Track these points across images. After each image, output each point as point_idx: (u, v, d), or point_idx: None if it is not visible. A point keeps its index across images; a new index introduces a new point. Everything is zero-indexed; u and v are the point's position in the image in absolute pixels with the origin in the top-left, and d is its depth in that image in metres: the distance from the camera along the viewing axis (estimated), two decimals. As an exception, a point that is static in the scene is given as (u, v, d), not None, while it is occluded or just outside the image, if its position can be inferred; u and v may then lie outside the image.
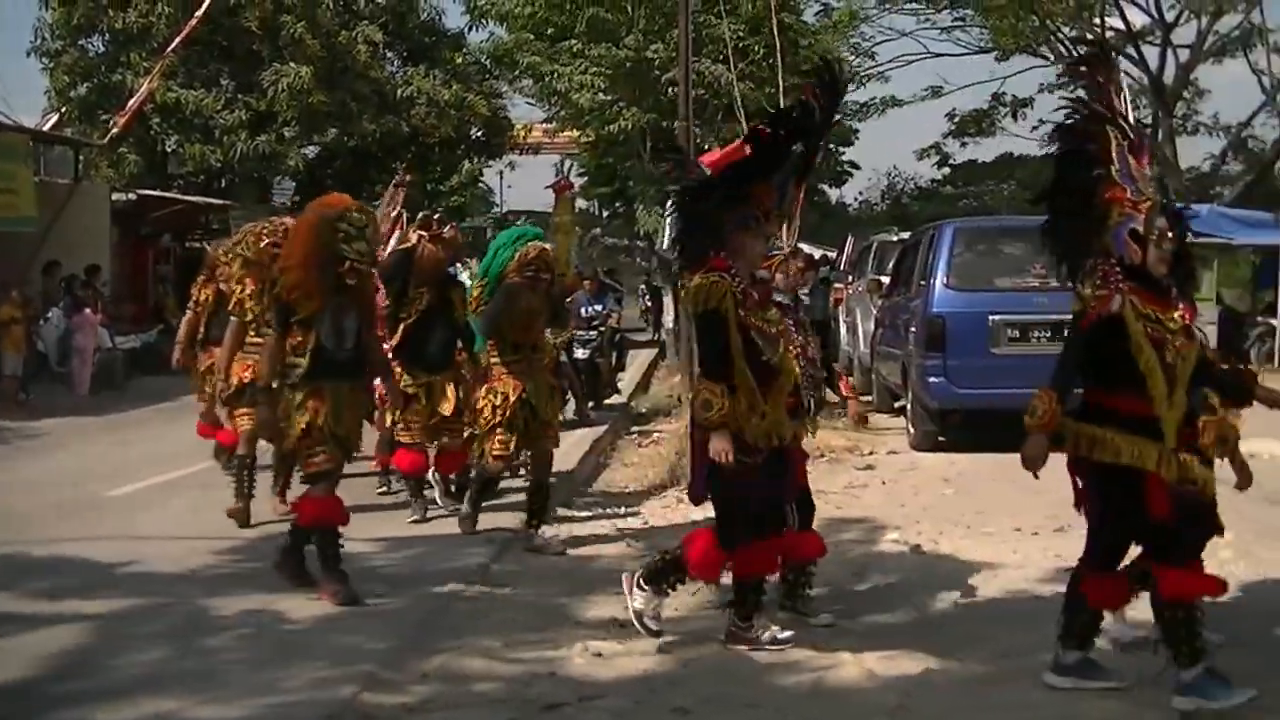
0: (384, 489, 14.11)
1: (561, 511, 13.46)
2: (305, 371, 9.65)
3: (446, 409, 12.70)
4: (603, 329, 21.56)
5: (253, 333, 12.27)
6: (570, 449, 16.32)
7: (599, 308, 22.27)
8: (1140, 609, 8.12)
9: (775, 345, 8.58)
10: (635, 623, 8.77)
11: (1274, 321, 28.77)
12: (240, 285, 12.25)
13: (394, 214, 17.32)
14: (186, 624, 9.21)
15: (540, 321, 12.23)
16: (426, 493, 13.22)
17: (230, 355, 12.51)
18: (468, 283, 14.36)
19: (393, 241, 17.10)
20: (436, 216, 13.10)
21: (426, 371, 12.64)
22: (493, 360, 11.95)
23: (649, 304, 40.05)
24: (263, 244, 11.81)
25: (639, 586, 8.80)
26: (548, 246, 12.48)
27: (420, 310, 12.58)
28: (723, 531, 8.51)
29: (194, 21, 28.05)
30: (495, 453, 11.81)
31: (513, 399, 11.67)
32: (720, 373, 8.31)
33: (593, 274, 20.36)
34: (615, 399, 21.37)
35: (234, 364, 12.60)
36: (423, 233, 12.72)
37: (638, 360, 30.25)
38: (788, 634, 8.76)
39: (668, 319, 29.54)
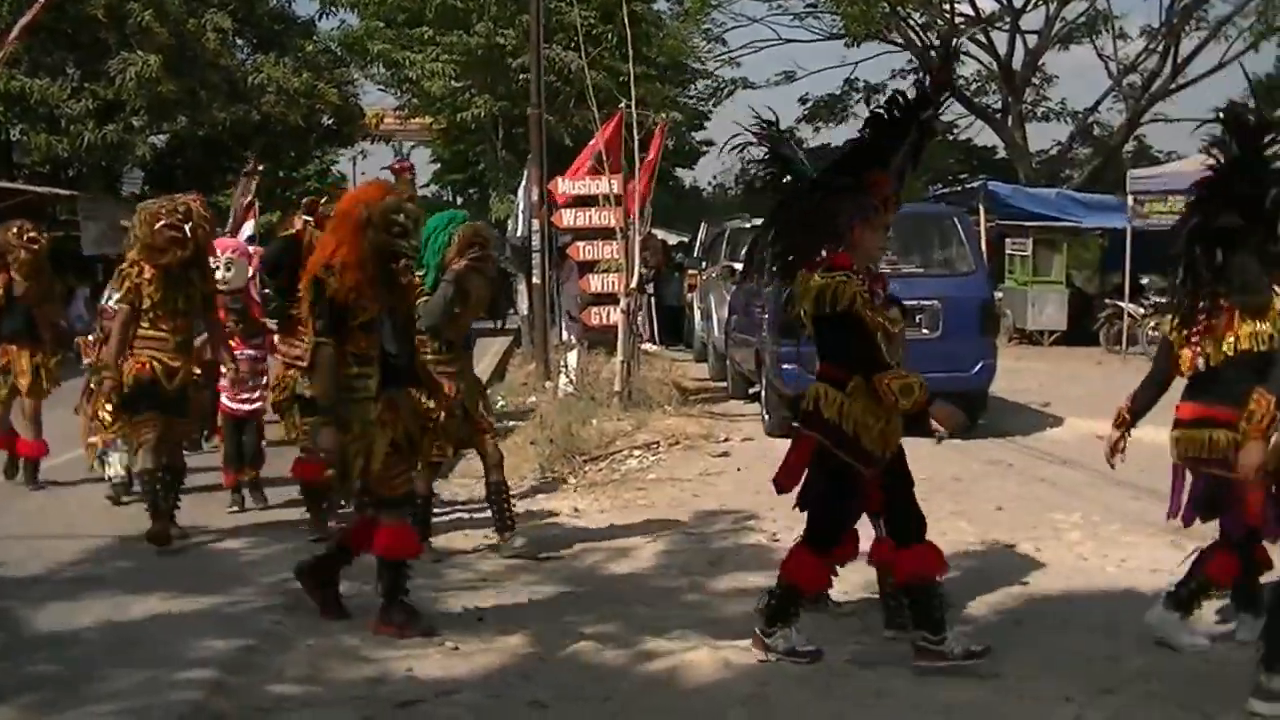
0: (234, 508, 13.03)
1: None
2: (377, 382, 8.88)
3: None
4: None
5: (146, 325, 11.53)
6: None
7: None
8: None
9: (898, 347, 8.21)
10: (793, 661, 8.20)
11: (1122, 304, 29.17)
12: (135, 269, 11.52)
13: (246, 202, 17.08)
14: (26, 631, 9.07)
15: (478, 311, 11.60)
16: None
17: (119, 350, 11.48)
18: None
19: (246, 229, 16.90)
20: (324, 200, 12.24)
21: None
22: (426, 357, 10.68)
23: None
24: (158, 225, 11.43)
25: (766, 634, 8.29)
26: (480, 224, 11.72)
27: None
28: (817, 539, 8.23)
29: (38, 8, 27.60)
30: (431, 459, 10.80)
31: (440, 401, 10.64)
32: (868, 368, 7.90)
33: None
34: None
35: (126, 361, 11.52)
36: (308, 217, 12.08)
37: (491, 349, 30.18)
38: (811, 647, 8.31)
39: (522, 306, 29.50)
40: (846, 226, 8.00)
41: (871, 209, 8.04)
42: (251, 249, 16.06)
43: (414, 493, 9.52)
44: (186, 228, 11.57)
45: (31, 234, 14.71)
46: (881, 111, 8.32)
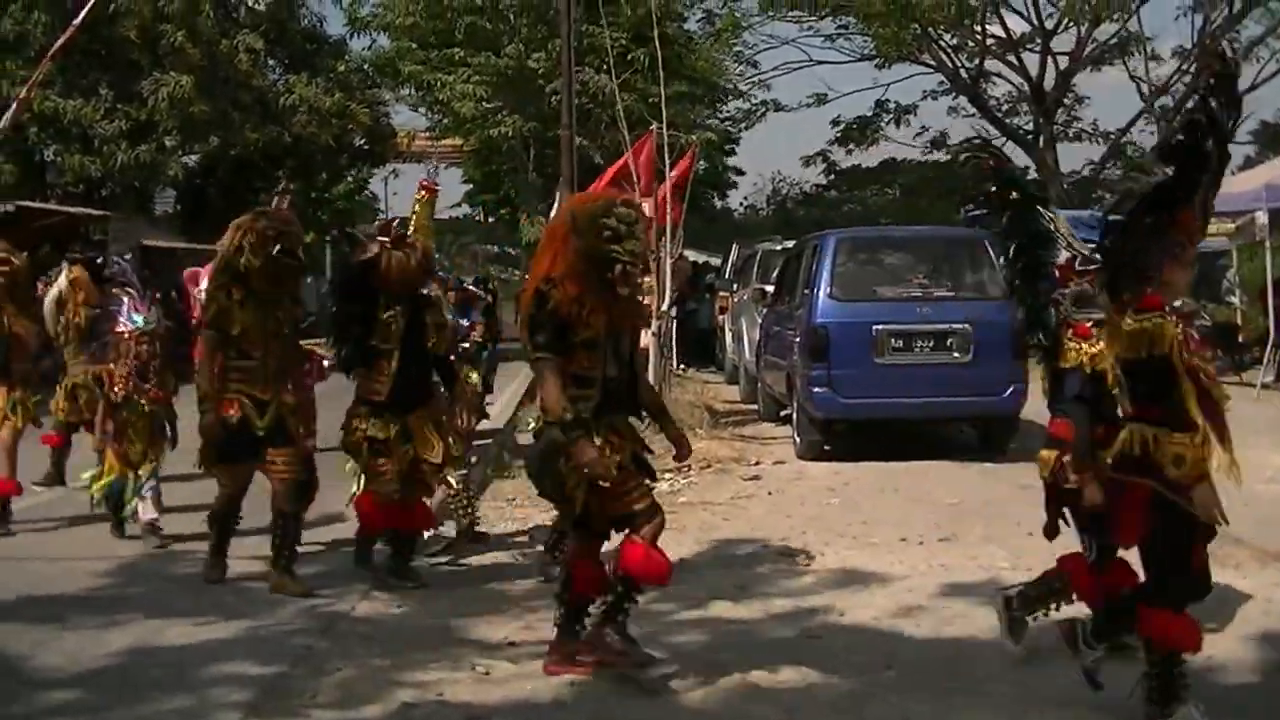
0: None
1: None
2: (596, 405, 8.20)
3: (432, 454, 11.04)
4: (466, 345, 19.43)
5: (233, 354, 10.63)
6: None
7: (464, 321, 19.94)
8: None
9: (1220, 389, 7.57)
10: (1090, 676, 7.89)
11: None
12: (224, 291, 10.58)
13: None
14: (59, 655, 9.06)
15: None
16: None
17: (213, 381, 10.59)
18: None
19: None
20: (395, 221, 11.49)
21: (402, 410, 10.88)
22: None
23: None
24: (266, 243, 10.48)
25: (1089, 646, 7.87)
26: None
27: (399, 337, 10.84)
28: (1172, 594, 7.41)
29: (72, 30, 27.67)
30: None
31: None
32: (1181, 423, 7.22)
33: (458, 283, 19.51)
34: (484, 424, 18.82)
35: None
36: (384, 239, 11.01)
37: (523, 371, 30.10)
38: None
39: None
40: (1157, 267, 7.39)
41: (1178, 247, 7.48)
42: None
43: (655, 506, 8.52)
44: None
45: (2, 255, 13.63)
46: (1185, 142, 7.50)
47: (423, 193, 11.56)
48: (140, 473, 12.60)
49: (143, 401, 12.60)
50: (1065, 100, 49.49)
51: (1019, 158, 51.00)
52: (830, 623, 9.86)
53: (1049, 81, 47.08)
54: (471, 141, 39.08)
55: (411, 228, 11.66)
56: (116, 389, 12.61)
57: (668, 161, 20.33)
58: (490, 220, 57.78)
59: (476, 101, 36.03)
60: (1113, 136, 50.56)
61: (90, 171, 35.92)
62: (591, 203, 8.45)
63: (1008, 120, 50.19)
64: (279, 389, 10.90)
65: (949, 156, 54.09)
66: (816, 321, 17.39)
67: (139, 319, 12.63)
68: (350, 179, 49.33)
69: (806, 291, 18.31)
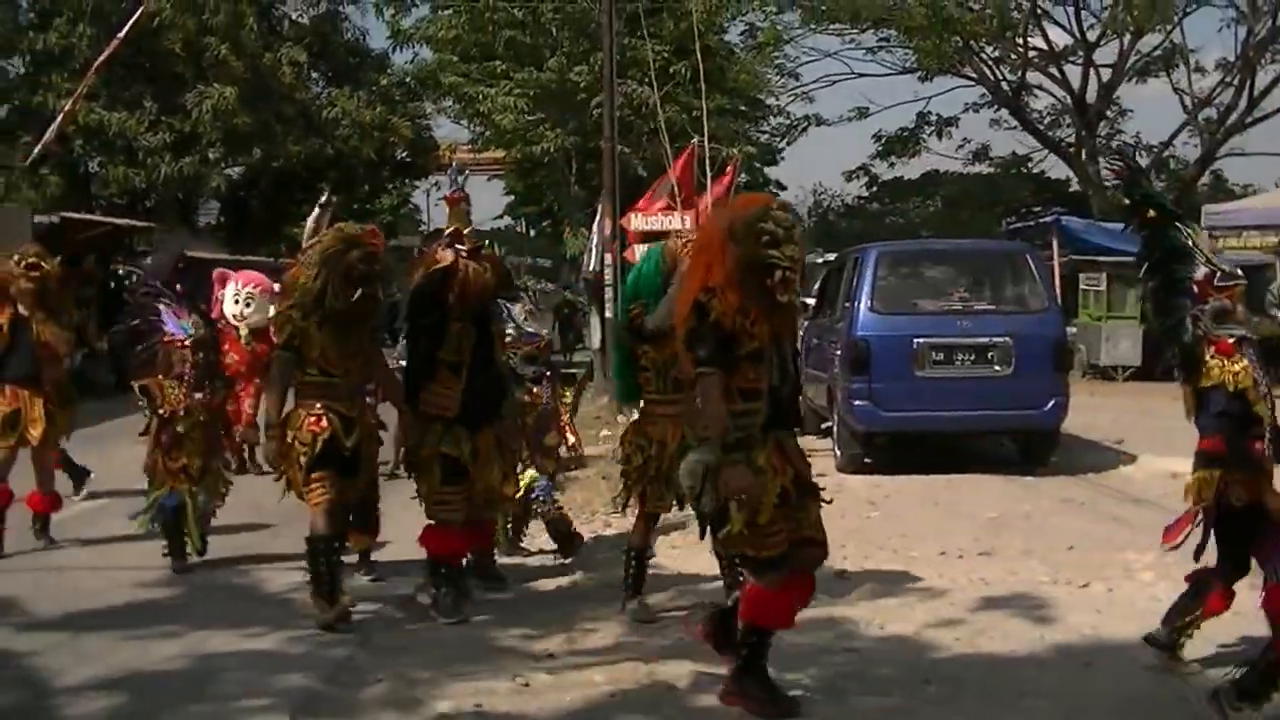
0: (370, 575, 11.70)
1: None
2: (764, 422, 7.80)
3: (496, 477, 10.71)
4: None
5: (314, 371, 10.15)
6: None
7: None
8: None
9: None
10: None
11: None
12: (298, 311, 10.10)
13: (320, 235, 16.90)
14: (104, 663, 9.14)
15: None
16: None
17: (281, 403, 10.31)
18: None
19: None
20: (467, 230, 10.82)
21: (472, 426, 10.43)
22: (650, 396, 10.10)
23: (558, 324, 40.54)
24: (353, 255, 10.00)
25: (1235, 708, 7.85)
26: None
27: (470, 349, 10.42)
28: None
29: (116, 43, 27.82)
30: (655, 509, 10.16)
31: (670, 448, 9.72)
32: None
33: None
34: None
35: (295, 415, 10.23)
36: (459, 246, 10.46)
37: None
38: None
39: (594, 339, 29.54)
40: None
41: None
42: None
43: (788, 555, 7.92)
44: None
45: (32, 260, 13.13)
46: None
47: (451, 205, 11.39)
48: (197, 490, 12.04)
49: (198, 412, 12.06)
50: (1108, 113, 49.35)
51: (1061, 170, 50.99)
52: (869, 635, 9.85)
53: (1091, 94, 46.98)
54: (513, 154, 39.09)
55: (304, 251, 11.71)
56: (171, 402, 11.99)
57: (709, 174, 20.34)
58: (532, 233, 57.84)
59: (518, 114, 36.04)
60: (1155, 149, 50.40)
61: (134, 183, 36.12)
62: (747, 208, 7.94)
63: (1049, 133, 50.11)
64: (362, 408, 10.64)
65: (991, 169, 54.15)
66: (857, 334, 17.38)
67: (187, 326, 12.15)
68: (393, 191, 49.45)
69: (847, 304, 18.30)
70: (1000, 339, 17.25)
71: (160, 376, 12.15)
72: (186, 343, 12.13)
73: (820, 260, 28.38)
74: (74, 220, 32.42)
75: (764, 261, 7.56)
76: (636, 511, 10.34)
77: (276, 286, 15.90)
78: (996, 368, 17.21)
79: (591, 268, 25.55)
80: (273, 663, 9.04)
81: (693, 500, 8.00)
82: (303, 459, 10.03)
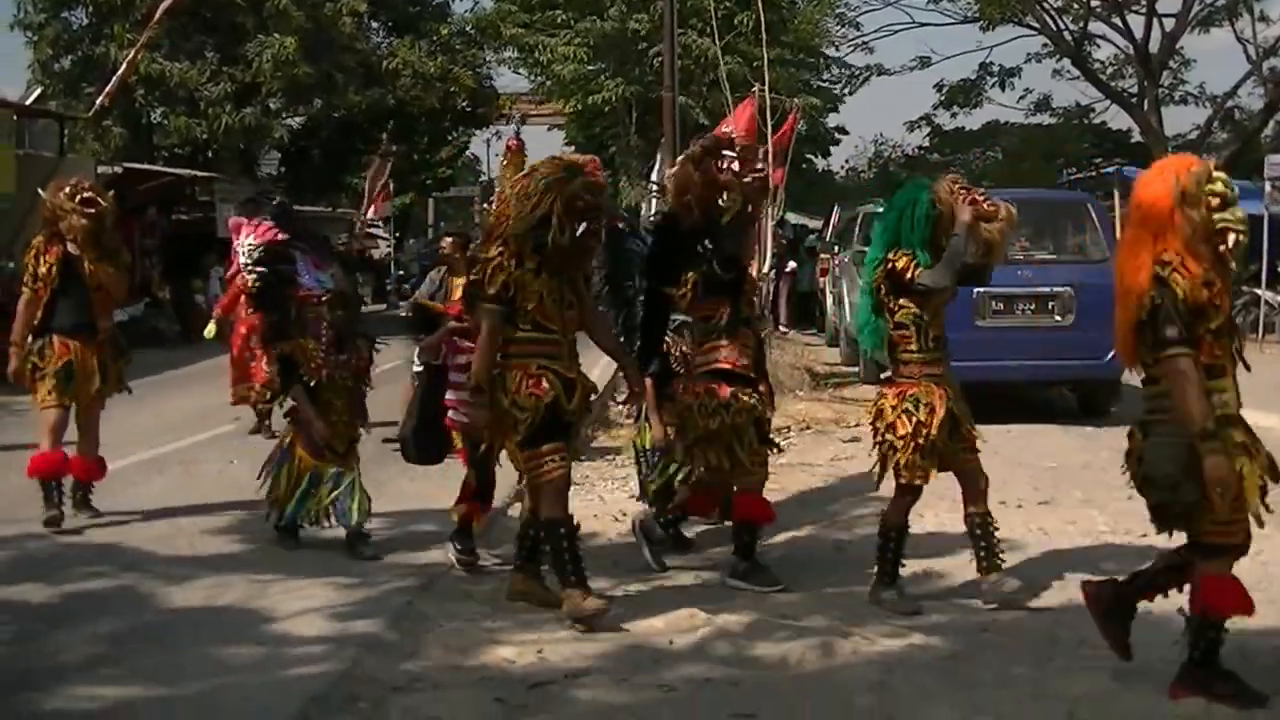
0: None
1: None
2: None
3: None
4: None
5: (528, 327, 8.92)
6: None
7: None
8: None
9: None
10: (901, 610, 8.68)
11: (1259, 291, 28.71)
12: (508, 255, 8.90)
13: (381, 184, 16.90)
14: (167, 607, 9.29)
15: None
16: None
17: (490, 365, 8.94)
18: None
19: (381, 209, 16.45)
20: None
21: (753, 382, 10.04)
22: (909, 355, 9.26)
23: None
24: (574, 188, 8.76)
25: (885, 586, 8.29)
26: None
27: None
28: None
29: (179, -7, 28.01)
30: (915, 481, 9.18)
31: (940, 413, 9.11)
32: None
33: None
34: None
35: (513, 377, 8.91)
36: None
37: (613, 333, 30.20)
38: None
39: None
40: None
41: None
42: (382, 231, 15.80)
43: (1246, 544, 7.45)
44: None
45: (88, 194, 11.89)
46: None
47: (509, 153, 11.33)
48: (343, 468, 10.85)
49: (344, 376, 10.81)
50: (1170, 63, 48.86)
51: (1122, 121, 50.61)
52: (928, 585, 9.87)
53: (1154, 44, 46.50)
54: (573, 104, 39.10)
55: (499, 189, 11.40)
56: (314, 367, 10.66)
57: (769, 124, 20.30)
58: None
59: (578, 64, 36.03)
60: (1219, 99, 49.94)
61: (196, 134, 36.31)
62: (1189, 169, 7.19)
63: (1112, 83, 49.67)
64: (580, 371, 9.27)
65: (1053, 120, 53.76)
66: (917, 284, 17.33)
67: (324, 278, 10.79)
68: (452, 141, 49.50)
69: (907, 255, 18.27)
70: (1061, 289, 17.21)
71: (302, 341, 10.74)
72: (323, 297, 10.75)
73: (880, 210, 28.24)
74: (136, 171, 32.63)
75: (1218, 226, 7.09)
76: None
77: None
78: (1057, 318, 17.19)
79: (653, 216, 25.50)
80: (335, 608, 9.12)
81: (1165, 491, 7.22)
82: (523, 428, 8.83)
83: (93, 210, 11.79)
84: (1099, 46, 49.61)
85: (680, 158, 10.23)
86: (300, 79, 36.23)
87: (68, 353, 11.72)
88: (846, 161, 67.12)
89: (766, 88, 20.48)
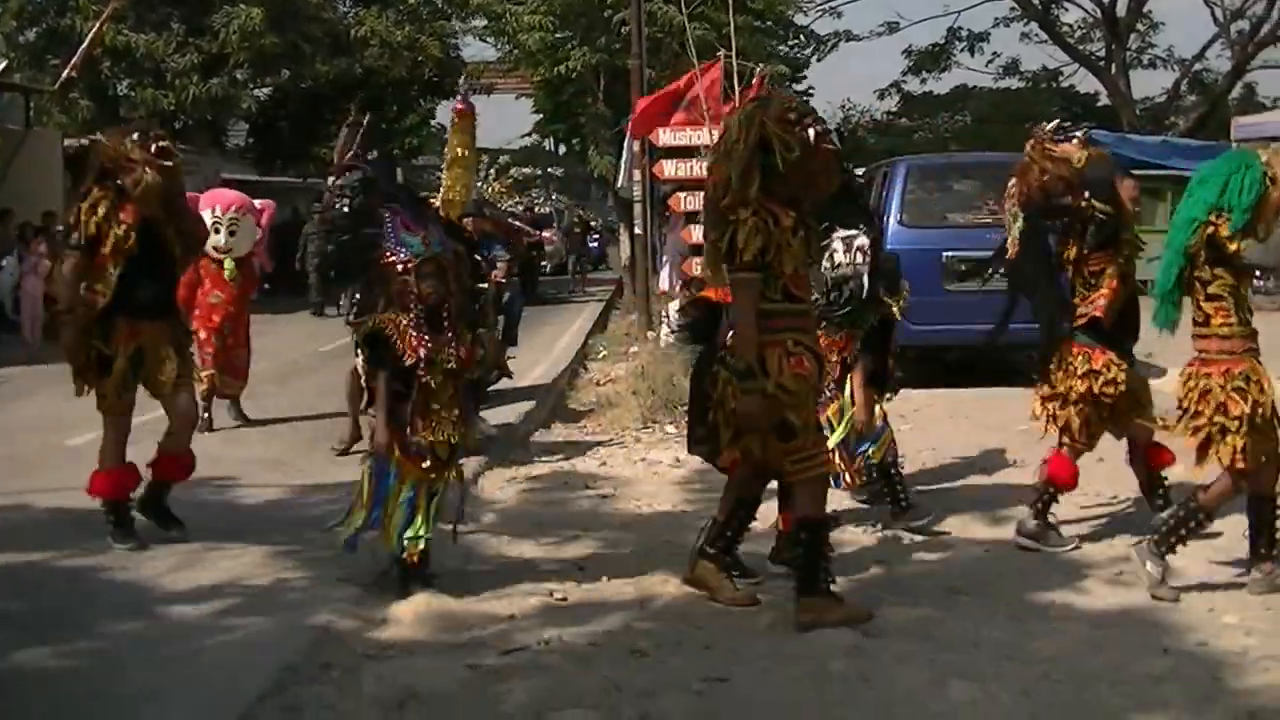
0: None
1: (519, 454, 13.53)
2: None
3: None
4: (485, 287, 14.96)
5: (777, 296, 7.86)
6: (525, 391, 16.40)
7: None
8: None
9: None
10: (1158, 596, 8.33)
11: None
12: (766, 213, 7.79)
13: (350, 153, 16.52)
14: (140, 574, 9.26)
15: None
16: None
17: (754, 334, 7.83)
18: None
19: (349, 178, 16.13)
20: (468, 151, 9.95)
21: None
22: (1229, 329, 8.58)
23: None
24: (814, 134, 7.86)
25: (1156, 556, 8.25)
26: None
27: None
28: None
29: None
30: (1238, 466, 8.34)
31: (1271, 391, 8.45)
32: None
33: (475, 211, 14.81)
34: (504, 383, 15.26)
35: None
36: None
37: (595, 298, 30.30)
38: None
39: (624, 255, 29.61)
40: None
41: None
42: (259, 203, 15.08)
43: None
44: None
45: (164, 145, 9.78)
46: None
47: (456, 116, 11.14)
48: (450, 477, 8.90)
49: (446, 360, 8.65)
50: (1138, 26, 49.03)
51: (1091, 84, 50.74)
52: (901, 548, 9.91)
53: (1121, 7, 46.66)
54: (540, 73, 39.03)
55: (447, 155, 11.13)
56: (410, 346, 8.55)
57: (737, 90, 20.27)
58: (561, 151, 57.73)
59: (544, 33, 35.96)
60: (1186, 62, 50.09)
61: (163, 105, 36.07)
62: None
63: (1080, 47, 49.80)
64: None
65: (1021, 84, 53.89)
66: (886, 248, 17.34)
67: (415, 242, 8.77)
68: (418, 110, 49.37)
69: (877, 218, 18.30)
70: (1030, 252, 17.22)
71: (393, 314, 8.72)
72: (411, 264, 8.69)
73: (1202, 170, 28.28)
74: (104, 143, 32.42)
75: None
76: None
77: (259, 203, 15.48)
78: (1026, 281, 17.21)
79: (621, 184, 25.52)
80: (309, 575, 9.10)
81: None
82: (795, 419, 7.88)
83: (169, 164, 9.74)
84: (1066, 10, 49.84)
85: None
86: (267, 49, 36.05)
87: (136, 337, 9.68)
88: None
89: (734, 54, 20.42)
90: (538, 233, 16.12)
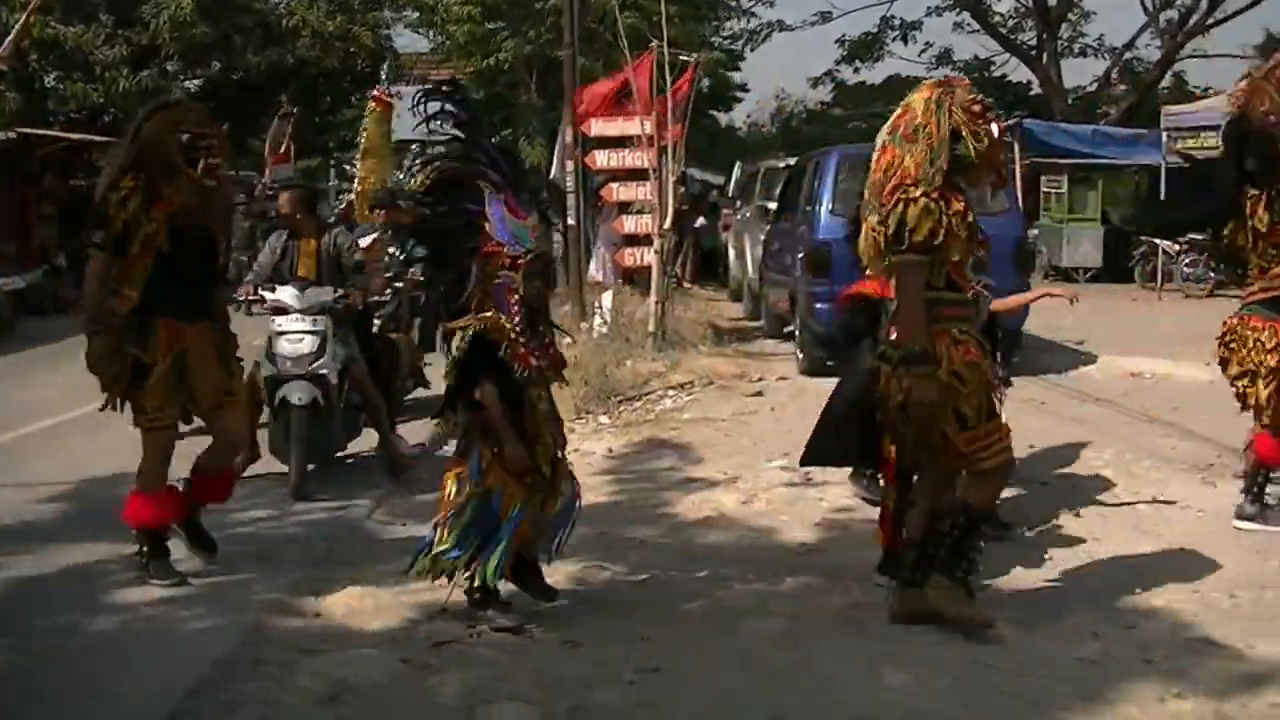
0: None
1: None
2: None
3: None
4: (400, 286, 14.55)
5: (941, 284, 7.50)
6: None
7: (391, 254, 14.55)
8: None
9: None
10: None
11: (1157, 241, 28.99)
12: (938, 195, 7.43)
13: (283, 145, 16.28)
14: (76, 571, 9.24)
15: None
16: None
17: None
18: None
19: (283, 170, 15.58)
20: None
21: None
22: None
23: None
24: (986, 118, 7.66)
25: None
26: None
27: None
28: None
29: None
30: None
31: None
32: None
33: (388, 201, 13.67)
34: (420, 392, 14.62)
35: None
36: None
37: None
38: None
39: (558, 248, 29.56)
40: None
41: None
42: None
43: None
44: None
45: (214, 161, 8.79)
46: None
47: (373, 105, 10.97)
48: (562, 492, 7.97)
49: (548, 369, 7.91)
50: (1070, 15, 49.24)
51: (1022, 74, 50.93)
52: (832, 536, 9.95)
53: (1054, -4, 46.87)
54: (472, 65, 38.93)
55: (362, 144, 10.78)
56: (520, 354, 7.61)
57: (669, 79, 20.28)
58: (493, 141, 57.61)
59: (473, 24, 35.87)
60: (1117, 51, 50.32)
61: (92, 98, 35.88)
62: None
63: (1012, 36, 49.99)
64: None
65: (954, 73, 53.96)
66: (819, 238, 17.35)
67: (524, 232, 7.77)
68: (355, 103, 49.25)
69: (809, 208, 18.34)
70: (963, 240, 17.25)
71: (499, 317, 7.63)
72: (522, 259, 7.68)
73: (782, 165, 28.32)
74: (32, 137, 32.20)
75: None
76: None
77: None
78: (959, 268, 17.24)
79: (554, 175, 25.49)
80: (240, 571, 9.09)
81: None
82: (968, 408, 7.39)
83: (215, 144, 8.86)
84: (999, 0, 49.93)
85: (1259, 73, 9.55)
86: (198, 40, 35.89)
87: (179, 341, 8.68)
88: (748, 116, 67.17)
89: (665, 43, 20.41)
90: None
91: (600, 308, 20.95)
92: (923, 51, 52.95)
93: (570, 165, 22.87)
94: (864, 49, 52.96)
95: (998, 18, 50.20)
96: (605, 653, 7.41)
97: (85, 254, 8.73)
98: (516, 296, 7.56)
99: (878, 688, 6.73)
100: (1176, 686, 6.65)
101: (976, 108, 7.54)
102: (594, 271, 23.00)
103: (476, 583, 7.71)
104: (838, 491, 11.00)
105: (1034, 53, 48.17)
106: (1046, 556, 9.14)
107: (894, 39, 51.92)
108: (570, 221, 23.09)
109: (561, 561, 8.63)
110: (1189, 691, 6.60)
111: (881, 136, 7.68)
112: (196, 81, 39.95)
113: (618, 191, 22.04)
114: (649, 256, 20.50)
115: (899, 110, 7.71)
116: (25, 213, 32.32)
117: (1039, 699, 6.57)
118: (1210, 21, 44.31)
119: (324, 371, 11.51)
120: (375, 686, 6.87)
